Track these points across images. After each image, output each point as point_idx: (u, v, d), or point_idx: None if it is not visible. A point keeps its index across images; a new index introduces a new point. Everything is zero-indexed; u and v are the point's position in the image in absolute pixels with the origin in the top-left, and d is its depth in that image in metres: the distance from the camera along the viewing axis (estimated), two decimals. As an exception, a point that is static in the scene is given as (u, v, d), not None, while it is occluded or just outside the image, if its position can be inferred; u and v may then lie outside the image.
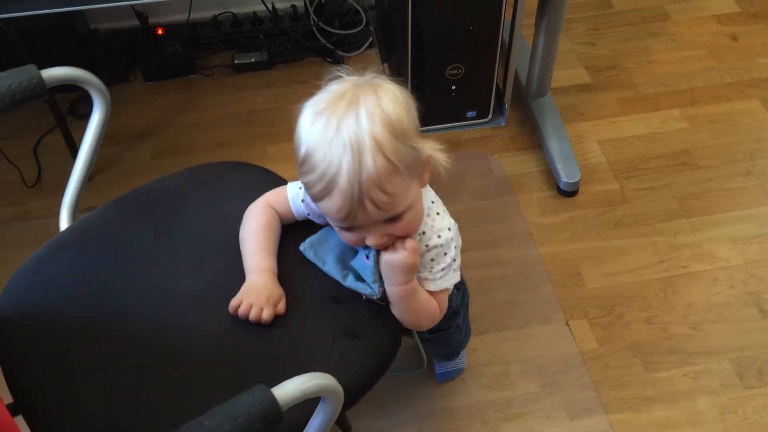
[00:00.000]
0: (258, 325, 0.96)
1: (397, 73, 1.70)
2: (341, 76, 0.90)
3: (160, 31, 2.03)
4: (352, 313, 0.98)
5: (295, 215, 1.06)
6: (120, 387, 0.92)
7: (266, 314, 0.95)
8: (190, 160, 1.89)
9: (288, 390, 0.74)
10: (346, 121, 0.83)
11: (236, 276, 1.01)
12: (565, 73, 2.09)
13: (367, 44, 2.11)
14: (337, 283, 1.00)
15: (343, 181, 0.82)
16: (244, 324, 0.96)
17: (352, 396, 0.93)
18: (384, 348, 0.96)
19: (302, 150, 0.87)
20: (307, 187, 0.88)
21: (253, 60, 2.08)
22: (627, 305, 1.62)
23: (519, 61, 2.01)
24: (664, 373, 1.51)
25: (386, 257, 0.91)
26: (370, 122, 0.83)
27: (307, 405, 0.78)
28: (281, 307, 0.97)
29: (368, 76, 0.89)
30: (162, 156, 1.91)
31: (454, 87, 1.58)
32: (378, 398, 1.48)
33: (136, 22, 2.02)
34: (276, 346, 0.95)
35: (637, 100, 2.02)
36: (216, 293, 1.00)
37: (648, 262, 1.69)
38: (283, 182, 1.16)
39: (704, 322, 1.58)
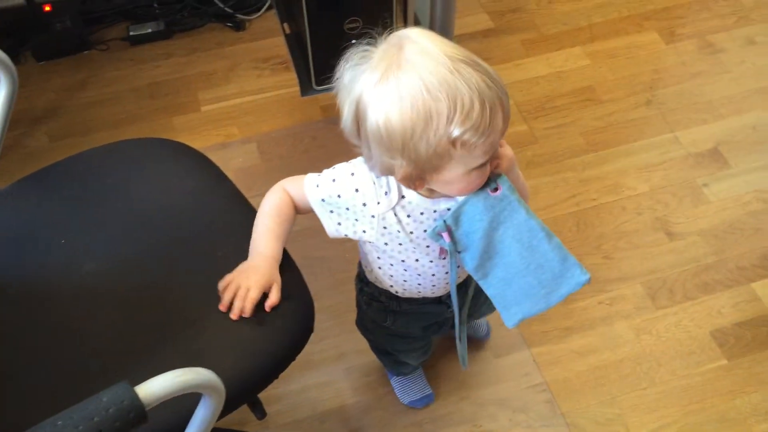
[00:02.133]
0: (158, 312, 0.94)
1: (295, 33, 1.67)
2: (366, 50, 0.86)
3: (47, 8, 1.93)
4: (261, 300, 0.93)
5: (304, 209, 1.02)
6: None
7: (252, 293, 0.91)
8: (92, 140, 1.82)
9: (153, 387, 0.67)
10: (425, 65, 0.80)
11: (146, 258, 0.98)
12: (469, 20, 2.10)
13: (266, 6, 2.06)
14: None
15: (494, 98, 0.80)
16: (145, 313, 0.94)
17: (253, 385, 0.91)
18: (292, 336, 0.94)
19: (438, 111, 0.79)
20: (470, 133, 0.80)
21: (149, 30, 2.01)
22: (542, 242, 1.66)
23: (420, 11, 2.01)
24: (581, 303, 1.56)
25: (508, 154, 0.93)
26: (436, 49, 0.81)
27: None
28: (274, 295, 0.93)
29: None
30: (62, 138, 1.84)
31: (353, 41, 1.56)
32: (306, 358, 1.48)
33: (20, 0, 1.91)
34: (175, 332, 0.92)
35: (540, 40, 2.05)
36: (118, 278, 0.97)
37: (560, 198, 1.73)
38: (195, 153, 1.13)
39: (616, 250, 1.64)
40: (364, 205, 0.94)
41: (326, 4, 1.50)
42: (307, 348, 1.49)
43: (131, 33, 2.00)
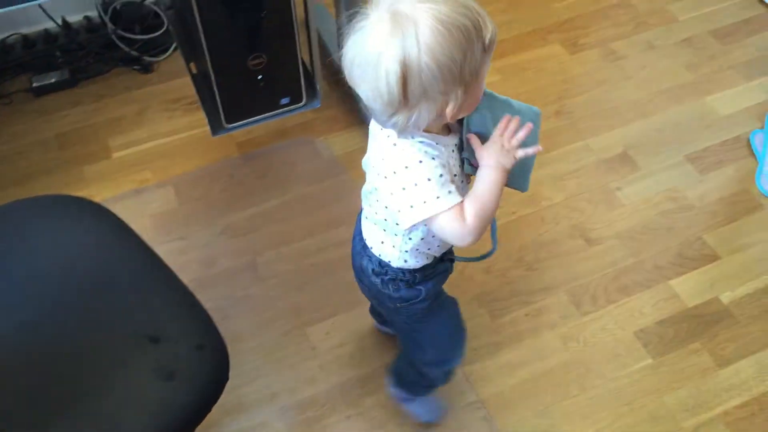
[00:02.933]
0: (64, 374, 0.92)
1: (201, 72, 1.65)
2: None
3: (-58, 65, 1.87)
4: (170, 353, 0.93)
5: None
6: None
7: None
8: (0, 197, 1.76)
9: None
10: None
11: (49, 320, 0.95)
12: None
13: (173, 47, 2.04)
14: (160, 319, 0.96)
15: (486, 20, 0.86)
16: (52, 376, 0.90)
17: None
18: (206, 388, 0.93)
19: (468, 26, 0.83)
20: (493, 32, 0.86)
21: (53, 80, 1.96)
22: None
23: (329, 39, 2.02)
24: (508, 317, 1.58)
25: None
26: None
27: None
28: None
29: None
30: (-33, 198, 1.77)
31: (260, 77, 1.56)
32: (237, 401, 1.46)
33: None
34: (84, 392, 0.90)
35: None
36: (21, 342, 0.94)
37: (480, 215, 1.75)
38: (95, 206, 1.10)
39: (538, 260, 1.67)
40: (440, 176, 0.92)
41: (228, 43, 1.50)
42: (239, 390, 1.48)
43: (34, 84, 1.95)
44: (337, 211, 1.76)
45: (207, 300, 1.58)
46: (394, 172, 0.92)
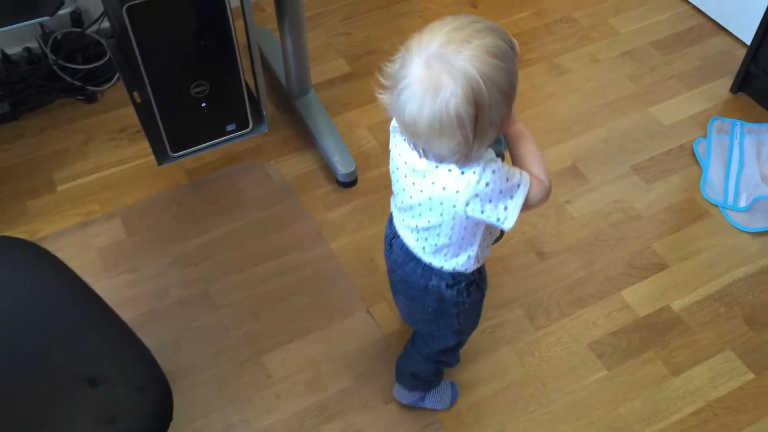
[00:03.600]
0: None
1: (145, 101, 1.63)
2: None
3: None
4: (110, 396, 0.90)
5: None
6: None
7: None
8: (-60, 236, 1.70)
9: None
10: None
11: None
12: (326, 66, 2.12)
13: (117, 75, 2.01)
14: (99, 361, 0.94)
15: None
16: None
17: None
18: (149, 431, 0.91)
19: (505, 48, 0.92)
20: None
21: (-6, 114, 1.91)
22: (421, 279, 1.67)
23: (276, 62, 2.01)
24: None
25: None
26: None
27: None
28: None
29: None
30: None
31: (204, 105, 1.54)
32: (193, 437, 1.43)
33: None
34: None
35: (398, 80, 2.08)
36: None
37: (433, 233, 1.76)
38: (29, 246, 1.07)
39: (492, 276, 1.67)
40: (503, 166, 1.02)
41: (168, 71, 1.48)
42: (193, 425, 1.45)
43: (-26, 118, 1.90)
44: (289, 235, 1.74)
45: (160, 332, 1.58)
46: (476, 195, 0.99)
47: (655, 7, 2.28)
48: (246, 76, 1.59)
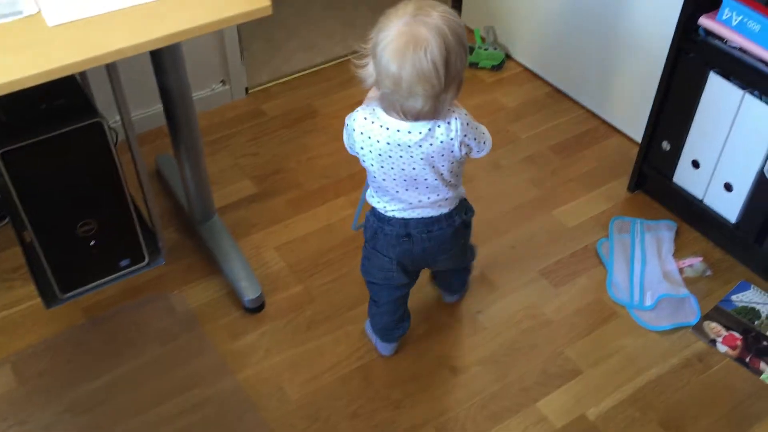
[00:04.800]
0: None
1: (30, 241, 1.57)
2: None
3: None
4: None
5: None
6: None
7: None
8: None
9: None
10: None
11: None
12: (232, 188, 2.10)
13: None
14: None
15: None
16: None
17: None
18: None
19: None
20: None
21: None
22: (332, 406, 1.61)
23: (179, 190, 1.98)
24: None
25: None
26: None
27: None
28: None
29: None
30: None
31: (93, 243, 1.49)
32: None
33: None
34: None
35: (305, 197, 2.08)
36: None
37: (344, 355, 1.70)
38: None
39: (406, 396, 1.62)
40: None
41: (52, 212, 1.43)
42: None
43: None
44: (192, 370, 1.67)
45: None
46: (465, 135, 1.31)
47: (551, 112, 2.37)
48: (139, 210, 1.56)
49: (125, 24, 1.23)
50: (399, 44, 1.17)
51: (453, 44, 1.18)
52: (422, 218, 1.43)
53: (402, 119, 1.27)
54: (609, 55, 2.20)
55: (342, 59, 2.55)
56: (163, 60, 1.58)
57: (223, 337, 1.73)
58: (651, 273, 1.85)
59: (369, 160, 1.35)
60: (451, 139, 1.29)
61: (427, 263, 1.56)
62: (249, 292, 1.77)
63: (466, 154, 1.35)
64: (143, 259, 1.62)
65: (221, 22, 1.24)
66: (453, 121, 1.28)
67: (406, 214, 1.42)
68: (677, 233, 1.97)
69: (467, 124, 1.30)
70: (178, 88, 1.64)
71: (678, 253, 1.92)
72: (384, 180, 1.37)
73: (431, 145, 1.29)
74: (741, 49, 1.68)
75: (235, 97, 2.40)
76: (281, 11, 2.80)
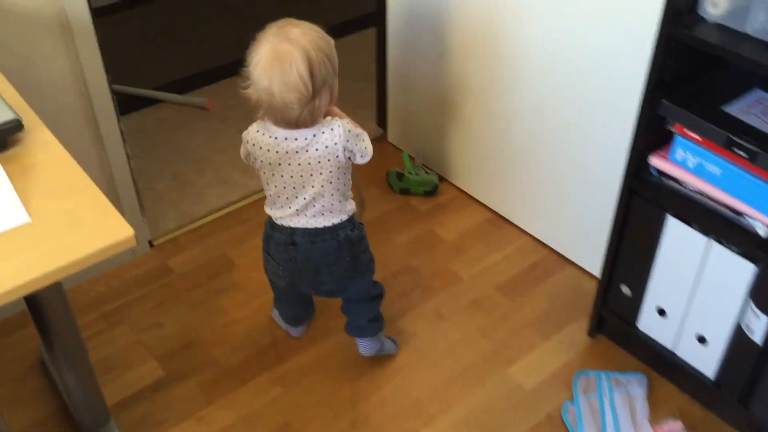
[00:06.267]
0: None
1: None
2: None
3: None
4: None
5: None
6: None
7: None
8: None
9: None
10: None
11: None
12: (133, 375, 1.78)
13: None
14: None
15: None
16: None
17: None
18: None
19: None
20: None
21: None
22: None
23: (69, 401, 1.66)
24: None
25: None
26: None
27: None
28: None
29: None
30: None
31: None
32: None
33: None
34: None
35: (221, 378, 1.77)
36: None
37: None
38: None
39: None
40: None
41: None
42: None
43: None
44: None
45: None
46: (347, 140, 1.43)
47: (494, 242, 2.15)
48: None
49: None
50: (266, 61, 1.34)
51: (314, 54, 1.34)
52: (307, 228, 1.53)
53: (288, 128, 1.42)
54: (555, 178, 2.00)
55: (260, 194, 2.28)
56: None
57: None
58: (627, 445, 1.60)
59: (262, 169, 1.49)
60: (335, 143, 1.42)
61: (312, 279, 1.60)
62: None
63: (350, 159, 1.47)
64: None
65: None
66: (336, 128, 1.43)
67: (293, 223, 1.53)
68: (649, 387, 1.74)
69: (349, 131, 1.44)
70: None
71: (653, 413, 1.68)
72: (276, 187, 1.49)
73: (317, 150, 1.43)
74: (700, 193, 1.49)
75: (137, 254, 2.10)
76: (191, 140, 2.54)
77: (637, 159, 1.55)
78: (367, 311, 1.72)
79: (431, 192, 2.30)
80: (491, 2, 1.92)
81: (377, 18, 2.35)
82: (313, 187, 1.46)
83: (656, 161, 1.53)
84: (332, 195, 1.49)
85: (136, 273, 2.05)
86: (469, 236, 2.17)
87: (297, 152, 1.43)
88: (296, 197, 1.49)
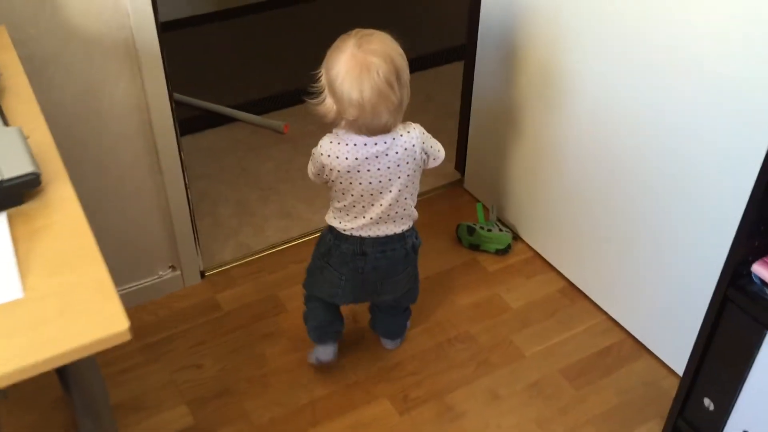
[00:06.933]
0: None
1: None
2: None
3: None
4: None
5: None
6: None
7: None
8: None
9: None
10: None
11: None
12: (161, 418, 1.70)
13: None
14: None
15: None
16: None
17: None
18: None
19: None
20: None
21: None
22: None
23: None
24: None
25: None
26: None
27: None
28: None
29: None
30: None
31: None
32: None
33: None
34: None
35: (251, 435, 1.67)
36: None
37: None
38: None
39: None
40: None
41: None
42: None
43: None
44: None
45: None
46: (423, 141, 1.49)
47: (566, 317, 1.95)
48: None
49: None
50: (354, 74, 1.35)
51: (398, 60, 1.37)
52: (378, 237, 1.55)
53: (366, 136, 1.42)
54: (640, 256, 1.78)
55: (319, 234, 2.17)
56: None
57: None
58: None
59: (338, 179, 1.48)
60: (413, 145, 1.46)
61: (375, 288, 1.62)
62: None
63: (424, 161, 1.51)
64: None
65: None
66: (412, 130, 1.47)
67: (363, 232, 1.54)
68: None
69: (423, 133, 1.49)
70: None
71: None
72: (352, 196, 1.49)
73: (396, 153, 1.45)
74: (812, 313, 1.26)
75: (187, 284, 2.03)
76: (261, 165, 2.46)
77: (735, 264, 1.33)
78: (406, 317, 1.82)
79: (503, 251, 2.12)
80: (599, 60, 1.73)
81: (467, 50, 2.18)
82: (390, 192, 1.48)
83: (760, 269, 1.31)
84: (406, 199, 1.52)
85: (184, 306, 1.98)
86: (538, 307, 1.98)
87: (377, 157, 1.44)
88: (372, 204, 1.50)
